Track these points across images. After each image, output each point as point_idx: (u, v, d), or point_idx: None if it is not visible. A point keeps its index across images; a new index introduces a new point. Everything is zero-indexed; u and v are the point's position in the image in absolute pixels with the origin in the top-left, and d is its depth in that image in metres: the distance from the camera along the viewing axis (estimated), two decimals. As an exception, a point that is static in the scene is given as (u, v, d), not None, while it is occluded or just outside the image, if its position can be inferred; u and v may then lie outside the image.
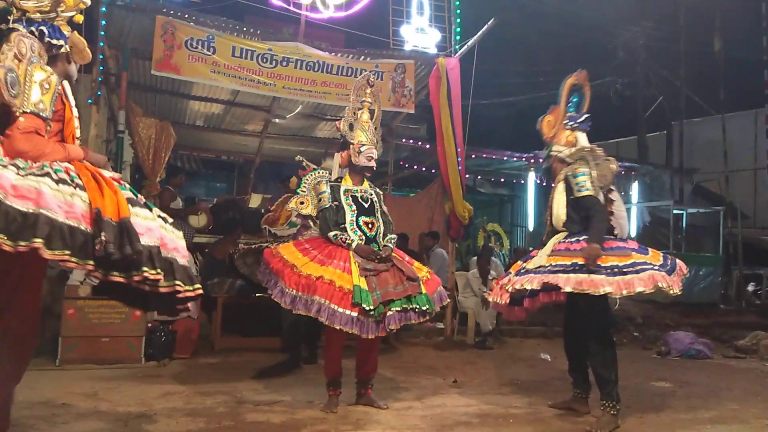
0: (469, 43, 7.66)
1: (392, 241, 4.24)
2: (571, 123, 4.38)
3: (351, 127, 4.32)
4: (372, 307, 3.71)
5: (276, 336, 6.15)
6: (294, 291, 3.79)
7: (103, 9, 6.12)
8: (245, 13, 8.22)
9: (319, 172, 4.46)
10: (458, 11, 7.86)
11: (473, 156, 10.80)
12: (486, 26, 7.47)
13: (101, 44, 6.25)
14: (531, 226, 12.79)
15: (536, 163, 12.60)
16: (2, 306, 2.66)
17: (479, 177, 13.81)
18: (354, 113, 4.35)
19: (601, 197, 4.08)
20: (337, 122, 4.53)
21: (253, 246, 5.13)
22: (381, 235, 4.20)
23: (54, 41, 2.81)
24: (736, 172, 14.65)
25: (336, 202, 4.17)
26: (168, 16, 6.40)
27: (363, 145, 4.26)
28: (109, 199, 2.59)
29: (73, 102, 2.92)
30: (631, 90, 16.83)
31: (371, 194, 4.31)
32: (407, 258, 4.33)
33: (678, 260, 4.15)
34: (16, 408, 3.13)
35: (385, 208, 4.40)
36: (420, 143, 11.43)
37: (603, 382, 4.01)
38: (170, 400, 4.24)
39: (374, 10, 7.51)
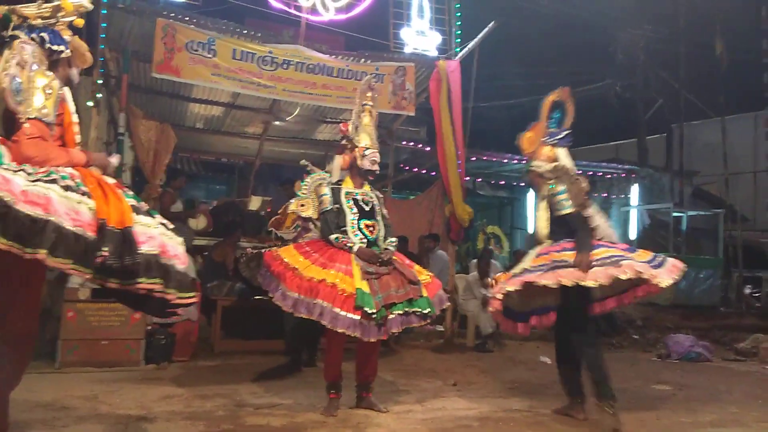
0: (469, 46, 7.67)
1: (393, 244, 4.24)
2: (551, 139, 4.46)
3: (356, 129, 4.33)
4: (374, 311, 3.70)
5: (275, 339, 6.14)
6: (296, 294, 3.78)
7: (104, 11, 6.11)
8: (246, 15, 8.22)
9: (319, 174, 4.45)
10: (459, 14, 7.86)
11: (473, 158, 10.80)
12: (486, 29, 7.48)
13: (102, 47, 6.24)
14: (531, 229, 12.79)
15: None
16: (6, 307, 2.67)
17: (479, 179, 13.80)
18: (359, 116, 4.36)
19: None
20: (341, 124, 4.53)
21: (262, 250, 5.12)
22: (382, 238, 4.20)
23: (55, 47, 2.84)
24: (736, 175, 14.68)
25: (337, 205, 4.16)
26: (168, 19, 6.40)
27: (368, 148, 4.27)
28: (114, 206, 2.61)
29: (72, 106, 2.94)
30: (630, 92, 16.86)
31: (372, 197, 4.31)
32: (407, 261, 4.33)
33: (672, 259, 4.21)
34: (15, 411, 3.13)
35: (385, 211, 4.40)
36: (420, 146, 11.43)
37: (593, 382, 4.09)
38: (170, 404, 4.24)
39: (375, 12, 7.51)
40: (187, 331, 5.91)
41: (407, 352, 6.89)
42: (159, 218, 2.87)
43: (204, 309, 6.46)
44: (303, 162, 4.54)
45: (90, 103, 6.27)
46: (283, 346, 5.95)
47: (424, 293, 4.03)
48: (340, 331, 3.69)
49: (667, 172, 15.05)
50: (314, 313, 3.71)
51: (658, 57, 16.46)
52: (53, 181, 2.51)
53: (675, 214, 12.40)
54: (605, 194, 14.26)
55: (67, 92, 2.92)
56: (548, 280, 3.93)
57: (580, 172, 4.51)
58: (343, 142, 4.42)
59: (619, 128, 18.46)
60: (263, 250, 4.57)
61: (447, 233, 8.21)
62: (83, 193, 2.57)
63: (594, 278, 3.84)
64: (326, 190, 4.22)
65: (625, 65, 16.67)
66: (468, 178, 8.18)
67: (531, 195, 12.65)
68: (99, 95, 6.43)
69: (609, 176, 14.02)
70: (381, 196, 4.47)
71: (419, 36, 7.72)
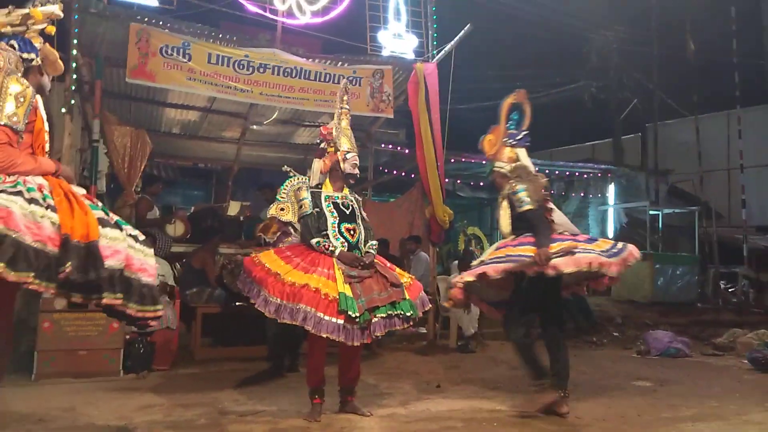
0: (446, 49, 7.70)
1: (374, 247, 4.23)
2: (510, 140, 4.63)
3: (336, 133, 4.31)
4: (358, 314, 3.68)
5: (256, 345, 6.09)
6: (278, 300, 3.74)
7: (76, 17, 6.02)
8: (221, 19, 8.16)
9: (298, 178, 4.43)
10: (435, 17, 7.89)
11: (453, 160, 10.85)
12: (462, 32, 7.51)
13: (74, 52, 6.15)
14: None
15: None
16: None
17: (459, 181, 13.86)
18: (338, 120, 4.35)
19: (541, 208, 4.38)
20: (321, 128, 4.52)
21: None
22: (363, 241, 4.19)
23: (25, 55, 2.83)
24: (710, 173, 14.90)
25: (317, 209, 4.14)
26: (142, 23, 6.33)
27: (349, 152, 4.26)
28: (79, 220, 2.59)
29: (44, 114, 2.90)
30: (605, 93, 17.07)
31: (351, 200, 4.30)
32: (389, 264, 4.32)
33: (631, 247, 4.35)
34: (-10, 425, 3.05)
35: (364, 214, 4.39)
36: (399, 148, 11.44)
37: (526, 367, 4.38)
38: (150, 413, 4.17)
39: (351, 15, 7.51)
40: (166, 340, 5.83)
41: (390, 355, 6.87)
42: (128, 230, 2.85)
43: (184, 316, 6.38)
44: (285, 168, 4.51)
45: (63, 110, 6.17)
46: (264, 353, 5.89)
47: (407, 296, 4.02)
48: (324, 335, 3.66)
49: (643, 171, 15.26)
50: (297, 319, 3.68)
51: (632, 58, 16.69)
52: (18, 193, 2.49)
53: (651, 212, 12.56)
54: (582, 194, 14.43)
55: (39, 100, 2.89)
56: (498, 272, 4.14)
57: (538, 170, 4.71)
58: (322, 145, 4.40)
59: (595, 129, 18.67)
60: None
61: (428, 235, 8.22)
62: (48, 207, 2.55)
63: (556, 267, 4.00)
64: (306, 194, 4.19)
65: (600, 67, 16.88)
66: (448, 180, 8.20)
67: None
68: (72, 101, 6.33)
69: (586, 176, 14.19)
70: (360, 199, 4.46)
71: (396, 39, 7.74)
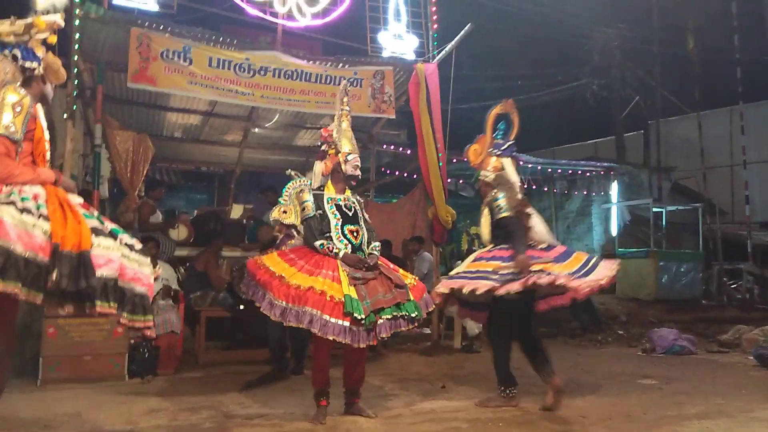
0: (446, 49, 7.70)
1: (377, 248, 4.23)
2: (495, 150, 4.77)
3: (337, 135, 4.31)
4: (363, 316, 3.68)
5: (261, 348, 6.09)
6: (284, 303, 3.73)
7: (77, 22, 6.04)
8: (221, 23, 8.18)
9: (300, 180, 4.42)
10: (435, 17, 7.89)
11: (455, 160, 10.82)
12: (463, 31, 7.51)
13: (75, 58, 6.17)
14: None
15: (518, 166, 12.65)
16: None
17: (461, 181, 13.85)
18: (339, 122, 4.35)
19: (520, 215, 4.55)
20: (322, 130, 4.52)
21: None
22: (366, 243, 4.19)
23: (27, 64, 2.84)
24: (713, 169, 14.86)
25: (320, 211, 4.14)
26: (143, 28, 6.34)
27: (350, 153, 4.26)
28: (71, 229, 2.59)
29: (44, 122, 2.91)
30: (607, 91, 17.06)
31: (354, 202, 4.29)
32: (392, 265, 4.31)
33: (603, 263, 4.52)
34: (-4, 432, 3.06)
35: (367, 216, 4.38)
36: (401, 149, 11.43)
37: (498, 371, 4.56)
38: (156, 417, 4.17)
39: (351, 17, 7.51)
40: (171, 344, 5.84)
41: (395, 356, 6.87)
42: (124, 238, 2.85)
43: (188, 320, 6.39)
44: (289, 171, 4.51)
45: (65, 115, 6.18)
46: (267, 356, 5.90)
47: (411, 297, 4.02)
48: (330, 338, 3.65)
49: (646, 168, 15.23)
50: (303, 321, 3.67)
51: (634, 56, 16.68)
52: (11, 203, 2.51)
53: (654, 209, 12.53)
54: (585, 192, 14.41)
55: (39, 109, 2.89)
56: (467, 288, 4.29)
57: (519, 179, 4.84)
58: (323, 147, 4.40)
59: (597, 126, 18.66)
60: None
61: (430, 235, 8.22)
62: (40, 216, 2.57)
63: (507, 289, 4.14)
64: (308, 197, 4.19)
65: (601, 65, 16.87)
66: (450, 180, 8.20)
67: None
68: (74, 107, 6.34)
69: (589, 174, 14.16)
70: (362, 200, 4.46)
71: (397, 39, 7.74)
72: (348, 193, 4.33)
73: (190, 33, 6.59)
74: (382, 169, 11.67)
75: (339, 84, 5.30)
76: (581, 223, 14.74)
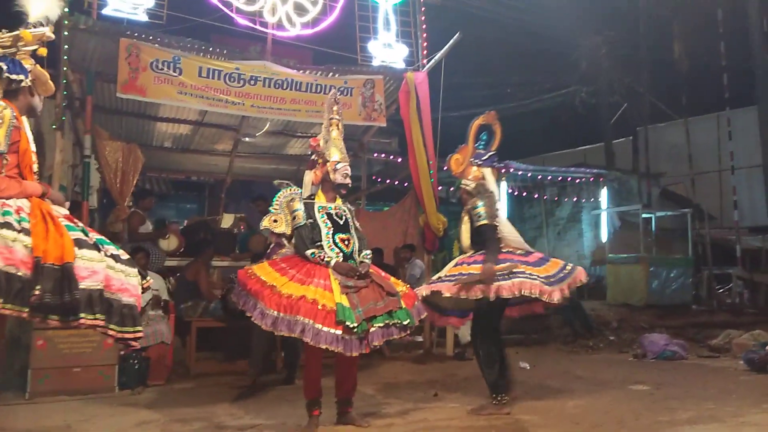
0: (436, 58, 7.74)
1: (368, 256, 4.23)
2: (477, 160, 4.93)
3: (326, 144, 4.31)
4: (355, 325, 3.67)
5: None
6: (275, 312, 3.71)
7: (66, 33, 6.01)
8: (211, 32, 8.17)
9: (291, 189, 4.42)
10: (424, 26, 7.94)
11: (445, 168, 10.84)
12: (452, 40, 7.55)
13: (64, 68, 6.14)
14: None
15: (507, 173, 12.72)
16: None
17: (452, 188, 13.87)
18: (327, 130, 4.35)
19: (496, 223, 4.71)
20: (311, 140, 4.52)
21: None
22: (357, 251, 4.19)
23: (14, 76, 2.82)
24: (701, 175, 14.97)
25: (311, 220, 4.13)
26: (132, 38, 6.32)
27: (339, 162, 4.26)
28: (53, 242, 2.58)
29: (30, 134, 2.90)
30: (595, 98, 17.17)
31: (345, 211, 4.30)
32: (384, 273, 4.31)
33: (578, 270, 4.74)
34: (-15, 446, 3.03)
35: (358, 224, 4.39)
36: (392, 157, 11.46)
37: (487, 378, 4.61)
38: (146, 429, 4.15)
39: (341, 27, 7.54)
40: (161, 354, 5.81)
41: (387, 364, 6.85)
42: (110, 249, 2.83)
43: (178, 330, 6.35)
44: (277, 182, 4.50)
45: (54, 126, 6.15)
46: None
47: (403, 305, 4.02)
48: (323, 347, 3.64)
49: (635, 174, 15.32)
50: (295, 331, 3.65)
51: (621, 63, 16.80)
52: None
53: (644, 215, 12.59)
54: (575, 198, 14.48)
55: (24, 120, 2.88)
56: (449, 291, 4.45)
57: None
58: (313, 157, 4.40)
59: (586, 133, 18.77)
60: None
61: (422, 243, 8.23)
62: (21, 230, 2.55)
63: (487, 293, 4.32)
64: (299, 206, 4.18)
65: (589, 72, 16.97)
66: (441, 188, 8.21)
67: (503, 202, 12.77)
68: (63, 117, 6.32)
69: (578, 181, 14.24)
70: (352, 208, 4.46)
71: (386, 48, 7.76)
72: (339, 201, 4.33)
73: (180, 43, 6.58)
74: (373, 177, 11.68)
75: (329, 93, 5.31)
76: (572, 229, 14.81)
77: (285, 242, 4.79)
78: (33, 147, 2.92)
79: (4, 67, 2.79)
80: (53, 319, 2.59)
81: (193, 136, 9.14)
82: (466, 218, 4.84)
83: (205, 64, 6.68)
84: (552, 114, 18.21)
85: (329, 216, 4.18)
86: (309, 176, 4.40)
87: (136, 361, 5.52)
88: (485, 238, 4.61)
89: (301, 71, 7.19)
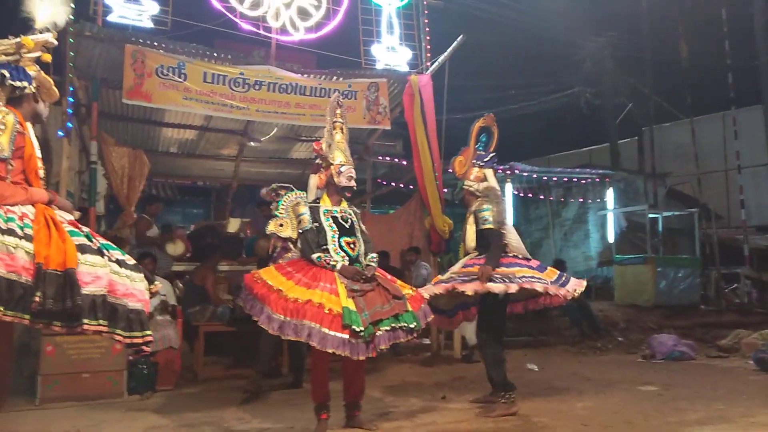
0: (439, 60, 7.75)
1: (374, 260, 4.22)
2: (479, 162, 5.08)
3: (329, 147, 4.32)
4: (362, 328, 3.67)
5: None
6: (282, 316, 3.71)
7: (71, 40, 6.05)
8: (215, 38, 8.20)
9: (296, 194, 4.41)
10: (427, 29, 7.95)
11: (450, 170, 10.85)
12: (455, 43, 7.56)
13: (70, 75, 6.18)
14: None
15: (513, 175, 12.71)
16: None
17: (455, 191, 13.86)
18: (330, 134, 4.36)
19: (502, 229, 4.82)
20: (314, 143, 4.52)
21: None
22: (363, 254, 4.18)
23: (17, 83, 2.82)
24: (707, 174, 14.92)
25: (316, 224, 4.13)
26: (137, 45, 6.36)
27: (343, 165, 4.26)
28: (56, 248, 2.58)
29: (35, 139, 2.90)
30: (600, 99, 17.13)
31: (350, 214, 4.29)
32: (390, 276, 4.31)
33: (574, 280, 4.88)
34: (-5, 452, 3.04)
35: (363, 227, 4.38)
36: (397, 160, 11.46)
37: (494, 377, 4.69)
38: (155, 434, 4.15)
39: (344, 30, 7.55)
40: (169, 360, 5.82)
41: (394, 367, 6.84)
42: (114, 254, 2.83)
43: (186, 335, 6.36)
44: (264, 192, 4.50)
45: (61, 133, 6.19)
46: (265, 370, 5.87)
47: (409, 308, 4.01)
48: (329, 351, 3.63)
49: (641, 174, 15.27)
50: (302, 335, 3.65)
51: (625, 63, 16.77)
52: None
53: (650, 215, 12.55)
54: (581, 199, 14.44)
55: (28, 126, 2.89)
56: (466, 288, 4.54)
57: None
58: (317, 161, 4.41)
59: (591, 134, 18.74)
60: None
61: (428, 246, 8.22)
62: (23, 236, 2.55)
63: (504, 290, 4.45)
64: (304, 210, 4.18)
65: (594, 73, 16.94)
66: (446, 190, 8.20)
67: (509, 204, 12.74)
68: (69, 124, 6.35)
69: (584, 181, 14.20)
70: (358, 211, 4.46)
71: (390, 52, 7.78)
72: (344, 204, 4.33)
73: (185, 49, 6.61)
74: (379, 180, 11.69)
75: (332, 96, 5.32)
76: (578, 230, 14.77)
77: (291, 246, 4.81)
78: (38, 153, 2.92)
79: (7, 75, 2.80)
80: (56, 326, 2.58)
81: (198, 141, 9.17)
82: (471, 219, 4.93)
83: (209, 69, 6.71)
84: (557, 115, 18.19)
85: (335, 219, 4.18)
86: (314, 180, 4.40)
87: (144, 367, 5.53)
88: (489, 243, 4.71)
89: (305, 75, 7.21)
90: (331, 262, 4.00)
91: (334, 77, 7.42)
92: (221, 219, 10.88)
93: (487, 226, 4.73)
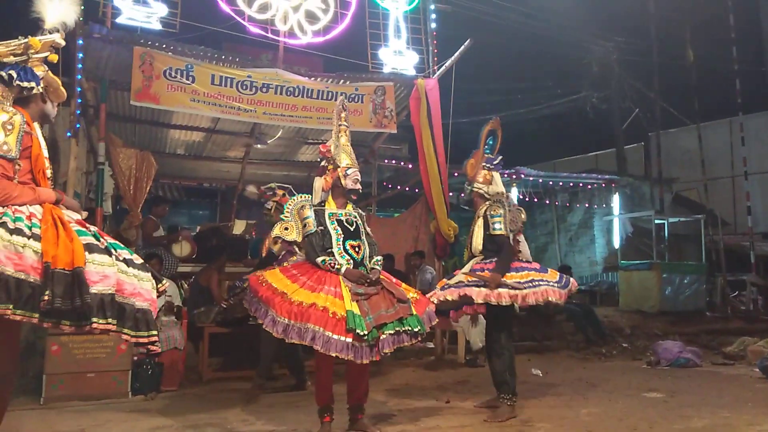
0: (446, 64, 7.76)
1: (379, 263, 4.22)
2: (487, 164, 5.14)
3: (336, 150, 4.33)
4: (366, 332, 3.66)
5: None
6: (286, 319, 3.71)
7: (80, 41, 6.09)
8: (223, 40, 8.25)
9: (301, 197, 4.42)
10: (434, 33, 7.96)
11: (456, 174, 10.85)
12: (462, 47, 7.57)
13: (79, 77, 6.22)
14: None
15: (518, 179, 12.71)
16: None
17: (463, 194, 13.86)
18: (337, 137, 4.37)
19: (511, 237, 4.87)
20: (321, 146, 4.53)
21: None
22: (368, 257, 4.19)
23: (25, 84, 2.83)
24: (714, 180, 14.88)
25: (321, 227, 4.14)
26: (146, 47, 6.40)
27: (349, 168, 4.27)
28: (63, 248, 2.59)
29: (42, 139, 2.92)
30: (607, 104, 17.11)
31: (355, 217, 4.29)
32: (394, 279, 4.31)
33: (572, 279, 5.00)
34: (1, 451, 3.05)
35: (368, 230, 4.39)
36: (402, 163, 11.48)
37: (500, 380, 4.70)
38: (159, 435, 4.16)
39: (352, 34, 7.58)
40: (174, 360, 5.83)
41: (399, 371, 6.84)
42: (122, 254, 2.84)
43: (191, 336, 6.38)
44: (261, 189, 4.51)
45: (69, 134, 6.23)
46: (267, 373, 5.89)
47: (414, 311, 4.01)
48: (333, 354, 3.64)
49: (647, 180, 15.24)
50: (306, 338, 3.65)
51: (632, 68, 16.76)
52: (1, 225, 2.52)
53: (656, 221, 12.52)
54: (587, 204, 14.42)
55: (36, 126, 2.91)
56: (481, 297, 4.53)
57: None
58: (323, 163, 4.42)
59: (598, 139, 18.73)
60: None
61: (433, 249, 8.22)
62: (31, 236, 2.57)
63: (515, 300, 4.52)
64: (309, 213, 4.18)
65: (601, 78, 16.94)
66: (451, 194, 8.21)
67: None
68: (78, 125, 6.39)
69: (590, 186, 14.18)
70: (363, 214, 4.46)
71: (397, 55, 7.80)
72: (349, 207, 4.33)
73: (193, 51, 6.64)
74: (384, 183, 11.71)
75: (338, 100, 5.33)
76: (583, 235, 14.75)
77: (296, 249, 4.82)
78: (45, 152, 2.94)
79: (15, 75, 2.81)
80: (65, 325, 2.58)
81: (205, 143, 9.21)
82: (479, 222, 4.93)
83: (217, 71, 6.74)
84: (563, 120, 18.20)
85: (340, 222, 4.18)
86: (319, 182, 4.41)
87: (149, 367, 5.55)
88: (499, 249, 4.74)
89: (312, 78, 7.23)
90: (336, 266, 4.00)
91: (341, 81, 7.45)
92: (227, 221, 10.91)
93: (498, 231, 4.76)
